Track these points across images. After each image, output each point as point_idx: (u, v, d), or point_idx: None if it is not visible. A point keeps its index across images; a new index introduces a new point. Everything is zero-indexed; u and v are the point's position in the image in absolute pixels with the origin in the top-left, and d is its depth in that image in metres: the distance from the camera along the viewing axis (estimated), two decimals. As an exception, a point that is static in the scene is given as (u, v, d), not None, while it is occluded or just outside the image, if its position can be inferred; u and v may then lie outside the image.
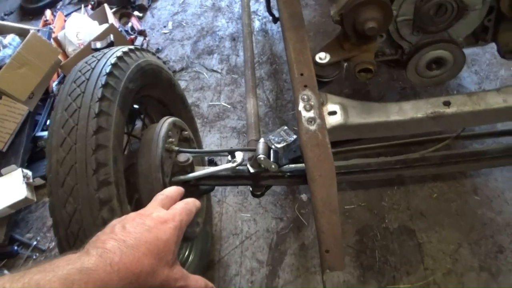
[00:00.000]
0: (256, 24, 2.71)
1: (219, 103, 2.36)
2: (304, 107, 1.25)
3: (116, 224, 0.65)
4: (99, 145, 1.05)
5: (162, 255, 0.63)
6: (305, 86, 1.28)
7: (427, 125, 1.26)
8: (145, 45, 2.77)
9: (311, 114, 1.22)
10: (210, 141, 2.20)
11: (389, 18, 1.17)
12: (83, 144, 1.05)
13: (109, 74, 1.18)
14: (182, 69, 2.57)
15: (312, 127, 1.20)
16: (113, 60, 1.24)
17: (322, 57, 1.31)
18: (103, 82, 1.15)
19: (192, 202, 0.76)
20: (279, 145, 1.38)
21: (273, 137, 1.39)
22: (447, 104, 1.24)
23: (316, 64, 1.32)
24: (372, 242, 1.73)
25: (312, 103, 1.24)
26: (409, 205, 1.80)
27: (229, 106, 2.34)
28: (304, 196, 1.94)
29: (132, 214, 0.68)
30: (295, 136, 2.20)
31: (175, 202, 0.76)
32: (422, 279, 1.64)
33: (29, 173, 2.17)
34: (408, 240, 1.73)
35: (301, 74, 1.30)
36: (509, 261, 1.63)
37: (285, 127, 2.20)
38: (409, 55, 1.31)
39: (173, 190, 0.79)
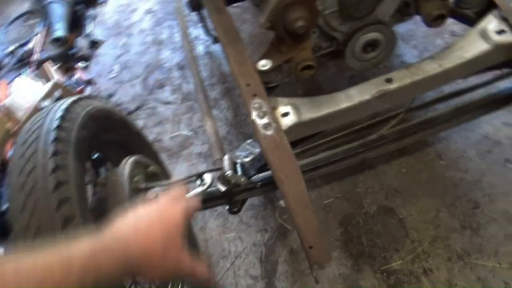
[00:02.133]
0: (200, 48, 2.74)
1: (179, 132, 2.37)
2: (258, 115, 1.28)
3: (129, 213, 0.70)
4: (61, 200, 1.04)
5: (172, 238, 0.68)
6: (254, 95, 1.31)
7: (376, 105, 1.31)
8: (95, 93, 2.76)
9: (265, 120, 1.26)
10: (179, 171, 2.19)
11: (315, 14, 1.23)
12: (45, 203, 1.04)
13: (58, 127, 1.17)
14: (137, 109, 2.57)
15: (269, 132, 1.23)
16: (59, 113, 1.23)
17: (264, 65, 1.34)
18: (53, 137, 1.14)
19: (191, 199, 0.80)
20: (247, 159, 1.41)
21: (240, 153, 1.42)
22: (389, 81, 1.30)
23: (260, 72, 1.36)
24: (356, 230, 1.76)
25: (264, 110, 1.27)
26: (382, 185, 1.84)
27: (190, 133, 2.35)
28: (282, 202, 1.95)
29: (142, 205, 0.72)
30: (259, 150, 2.24)
31: None
32: (411, 252, 1.68)
33: (1, 250, 2.09)
34: (390, 219, 1.76)
35: (248, 85, 1.34)
36: (486, 214, 1.69)
37: (249, 140, 2.22)
38: (343, 44, 1.37)
39: (175, 190, 0.82)
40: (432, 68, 1.28)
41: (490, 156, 1.82)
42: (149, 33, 3.05)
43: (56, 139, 1.13)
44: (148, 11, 3.22)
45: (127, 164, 1.37)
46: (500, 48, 1.24)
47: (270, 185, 1.49)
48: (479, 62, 1.27)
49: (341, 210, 1.83)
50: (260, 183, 1.48)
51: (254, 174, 1.43)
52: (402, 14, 1.40)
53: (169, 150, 2.30)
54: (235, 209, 1.57)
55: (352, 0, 1.29)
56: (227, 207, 1.56)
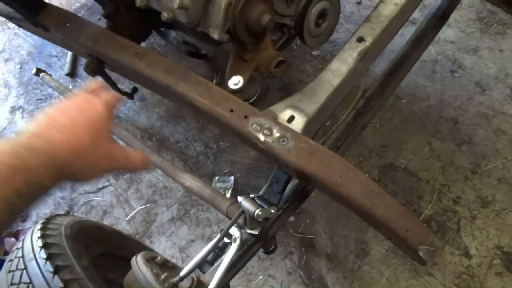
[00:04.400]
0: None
1: (135, 211, 2.04)
2: (265, 135, 1.10)
3: (48, 112, 0.65)
4: None
5: (98, 130, 0.66)
6: (246, 117, 1.13)
7: (362, 66, 1.24)
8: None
9: (276, 135, 1.09)
10: (163, 250, 1.88)
11: (272, 3, 1.10)
12: None
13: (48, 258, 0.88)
14: (68, 213, 2.15)
15: (290, 144, 1.07)
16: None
17: (236, 82, 1.17)
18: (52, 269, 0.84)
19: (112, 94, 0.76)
20: (263, 190, 1.25)
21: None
22: (361, 40, 1.23)
23: (234, 92, 1.18)
24: (376, 200, 1.69)
25: (268, 125, 1.10)
26: (369, 149, 1.81)
27: (148, 205, 2.03)
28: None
29: (58, 103, 0.68)
30: (231, 177, 2.04)
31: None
32: (432, 192, 1.67)
33: None
34: (395, 174, 1.73)
35: (231, 111, 1.15)
36: (467, 124, 1.77)
37: (216, 178, 2.03)
38: (298, 27, 1.27)
39: (91, 83, 0.77)
40: (390, 10, 1.26)
41: (437, 75, 1.91)
42: (31, 130, 2.60)
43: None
44: (14, 109, 2.74)
45: (141, 266, 1.11)
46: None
47: (299, 199, 1.33)
48: (424, -14, 1.28)
49: (349, 191, 1.75)
50: (287, 204, 1.31)
51: (280, 199, 1.26)
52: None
53: (135, 234, 1.97)
54: (272, 248, 1.38)
55: (289, -23, 1.20)
56: (262, 251, 1.37)
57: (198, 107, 1.22)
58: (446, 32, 1.98)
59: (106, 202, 2.12)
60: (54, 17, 1.65)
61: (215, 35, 1.12)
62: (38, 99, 2.72)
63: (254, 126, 1.12)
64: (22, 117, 2.65)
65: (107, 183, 2.17)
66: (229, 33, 1.10)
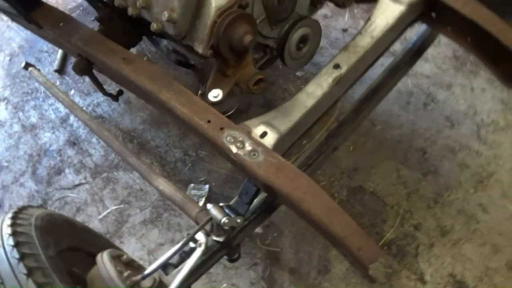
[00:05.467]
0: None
1: (108, 210, 2.06)
2: (237, 147, 1.17)
3: None
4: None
5: None
6: (221, 128, 1.20)
7: (336, 92, 1.32)
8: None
9: (248, 148, 1.15)
10: (131, 251, 1.91)
11: (255, 25, 1.17)
12: None
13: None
14: (41, 207, 2.16)
15: (260, 158, 1.14)
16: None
17: (215, 95, 1.24)
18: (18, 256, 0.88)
19: None
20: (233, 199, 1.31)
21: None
22: (337, 66, 1.31)
23: (213, 104, 1.24)
24: (342, 220, 1.76)
25: (241, 139, 1.17)
26: (341, 170, 1.88)
27: (122, 206, 2.06)
28: (258, 229, 1.84)
29: None
30: (206, 186, 2.09)
31: None
32: (395, 217, 1.75)
33: None
34: (363, 196, 1.81)
35: (208, 121, 1.22)
36: (435, 154, 1.86)
37: (191, 185, 2.08)
38: (280, 49, 1.34)
39: None
40: (367, 42, 1.34)
41: (411, 106, 2.01)
42: (13, 122, 2.59)
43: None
44: (-2, 100, 2.76)
45: (105, 262, 1.15)
46: (413, 6, 1.36)
47: (267, 211, 1.39)
48: (401, 24, 1.37)
49: (318, 209, 1.81)
50: (254, 215, 1.37)
51: (247, 210, 1.31)
52: (315, 4, 1.44)
53: (106, 233, 1.99)
54: (236, 256, 1.43)
55: (274, 3, 1.27)
56: (226, 258, 1.42)
57: (178, 115, 1.28)
58: (424, 67, 2.09)
59: (81, 200, 2.15)
60: (48, 16, 1.70)
61: (199, 49, 1.18)
62: (24, 92, 2.74)
63: (228, 138, 1.18)
64: (6, 109, 2.67)
65: (83, 181, 2.20)
66: (212, 48, 1.17)
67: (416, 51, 1.59)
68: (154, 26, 1.25)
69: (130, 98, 2.39)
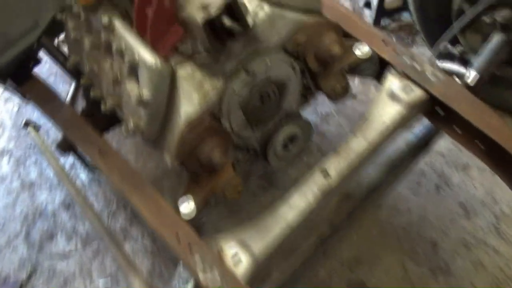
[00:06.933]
0: (83, 177, 2.37)
1: (96, 284, 1.96)
2: (204, 271, 1.04)
3: None
4: None
5: None
6: (189, 244, 1.08)
7: (324, 204, 1.17)
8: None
9: (216, 277, 1.02)
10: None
11: (228, 137, 1.06)
12: None
13: None
14: (30, 276, 2.08)
15: (226, 291, 1.00)
16: None
17: (187, 213, 1.11)
18: None
19: None
20: (189, 285, 1.17)
21: (177, 283, 1.17)
22: (325, 173, 1.18)
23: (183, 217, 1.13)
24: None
25: (210, 261, 1.05)
26: (342, 261, 1.71)
27: (109, 284, 1.96)
28: None
29: None
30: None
31: None
32: (400, 319, 1.56)
33: None
34: (364, 292, 1.63)
35: (177, 234, 1.10)
36: (446, 249, 1.66)
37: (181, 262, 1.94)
38: (262, 151, 1.22)
39: None
40: (360, 144, 1.20)
41: (421, 188, 1.83)
42: (13, 178, 2.56)
43: None
44: (2, 153, 2.74)
45: None
46: (412, 106, 1.21)
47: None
48: (398, 123, 1.23)
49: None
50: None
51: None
52: (305, 97, 1.31)
53: (90, 313, 1.88)
54: None
55: (255, 104, 1.16)
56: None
57: (148, 223, 1.18)
58: (438, 143, 1.90)
59: (69, 271, 2.06)
60: (35, 91, 1.66)
61: (167, 159, 1.08)
62: (28, 146, 2.73)
63: (196, 257, 1.07)
64: (8, 163, 2.65)
65: (72, 250, 2.12)
66: (181, 160, 1.06)
67: (422, 143, 1.43)
68: (123, 128, 1.15)
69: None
